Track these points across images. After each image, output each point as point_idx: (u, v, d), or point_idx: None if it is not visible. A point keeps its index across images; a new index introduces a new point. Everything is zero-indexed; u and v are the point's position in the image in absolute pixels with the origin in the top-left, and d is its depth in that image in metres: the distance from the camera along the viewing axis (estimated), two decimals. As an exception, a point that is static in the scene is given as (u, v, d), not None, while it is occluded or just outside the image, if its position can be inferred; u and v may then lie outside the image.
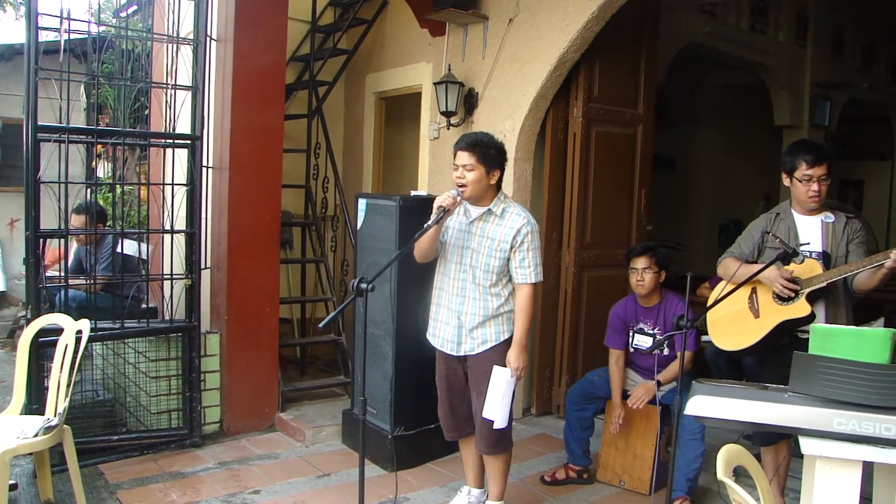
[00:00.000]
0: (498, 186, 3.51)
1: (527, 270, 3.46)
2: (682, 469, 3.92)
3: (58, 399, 3.62)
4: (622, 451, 4.36)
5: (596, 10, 4.77)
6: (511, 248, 3.44)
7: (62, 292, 4.48)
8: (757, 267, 3.39)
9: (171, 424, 4.88)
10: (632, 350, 4.34)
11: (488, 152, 3.42)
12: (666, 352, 4.23)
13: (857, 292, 3.42)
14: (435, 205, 3.36)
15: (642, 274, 4.22)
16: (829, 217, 3.50)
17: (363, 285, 2.96)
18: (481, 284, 3.49)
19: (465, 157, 3.41)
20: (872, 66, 9.89)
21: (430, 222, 3.33)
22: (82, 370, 4.72)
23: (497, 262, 3.45)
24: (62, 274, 4.50)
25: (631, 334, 4.33)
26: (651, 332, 4.26)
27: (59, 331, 3.80)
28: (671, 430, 3.97)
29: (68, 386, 3.60)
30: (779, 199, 7.14)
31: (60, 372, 3.65)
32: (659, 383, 4.13)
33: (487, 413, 3.43)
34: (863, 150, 11.27)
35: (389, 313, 4.44)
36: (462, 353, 3.57)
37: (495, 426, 3.45)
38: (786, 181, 3.56)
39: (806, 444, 2.42)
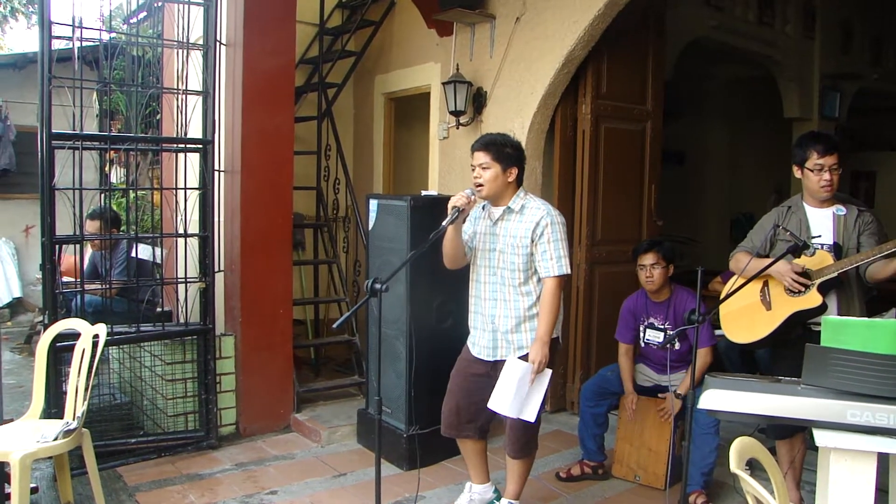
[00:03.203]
0: (518, 184, 3.51)
1: (549, 263, 3.40)
2: (696, 463, 3.92)
3: (76, 403, 3.66)
4: (637, 447, 4.37)
5: (602, 7, 4.77)
6: (532, 241, 3.41)
7: (78, 297, 4.52)
8: (767, 261, 3.40)
9: (187, 427, 4.92)
10: (643, 345, 4.36)
11: (503, 150, 3.43)
12: (678, 346, 4.23)
13: (871, 281, 3.42)
14: (449, 205, 3.35)
15: (651, 270, 4.23)
16: (841, 210, 3.51)
17: (377, 286, 2.98)
18: (510, 285, 3.48)
19: (480, 157, 3.43)
20: (881, 56, 9.82)
21: (444, 223, 3.33)
22: (99, 374, 4.77)
23: (521, 259, 3.43)
24: (78, 279, 4.54)
25: (642, 329, 4.34)
26: (661, 326, 4.27)
27: (75, 335, 3.85)
28: (685, 424, 3.98)
29: (86, 390, 3.64)
30: (790, 191, 7.13)
31: (78, 376, 3.69)
32: (682, 396, 4.12)
33: (492, 403, 3.38)
34: (874, 141, 11.19)
35: (403, 313, 4.46)
36: (498, 358, 3.53)
37: (499, 410, 3.38)
38: (797, 173, 3.57)
39: (820, 437, 2.42)
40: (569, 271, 3.47)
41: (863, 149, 10.84)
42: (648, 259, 4.24)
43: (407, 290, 4.41)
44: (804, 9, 8.42)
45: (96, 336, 3.74)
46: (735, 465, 2.05)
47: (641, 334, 4.36)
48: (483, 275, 3.57)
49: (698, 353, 3.87)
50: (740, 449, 2.11)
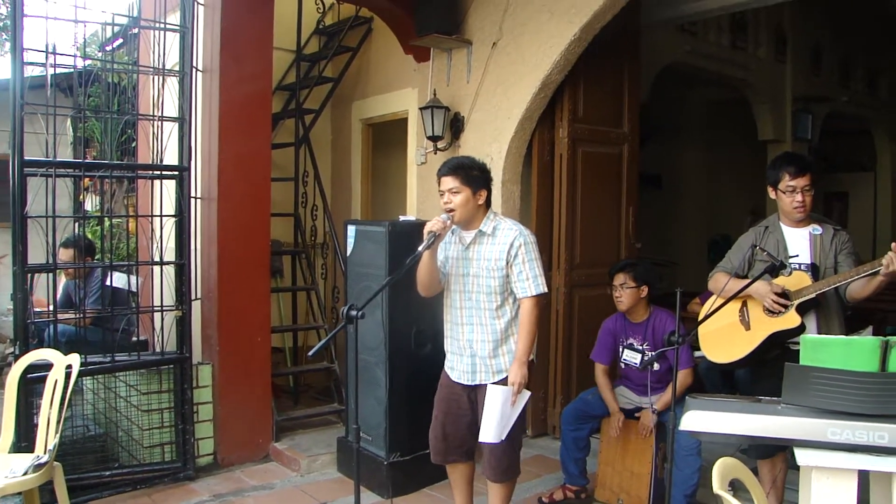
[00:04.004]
0: (487, 206, 3.50)
1: (525, 283, 3.40)
2: (679, 485, 3.90)
3: (48, 436, 3.58)
4: (619, 470, 4.34)
5: (578, 32, 4.81)
6: (507, 263, 3.40)
7: (51, 327, 4.45)
8: (746, 281, 3.41)
9: (164, 458, 4.83)
10: (623, 366, 4.35)
11: (471, 173, 3.42)
12: (657, 367, 4.23)
13: (851, 300, 3.44)
14: (425, 230, 3.33)
15: (620, 290, 4.26)
16: (817, 229, 3.54)
17: (353, 312, 2.95)
18: (487, 308, 3.46)
19: (449, 182, 3.40)
20: (850, 79, 10.02)
21: (420, 248, 3.30)
22: (73, 405, 4.68)
23: (497, 282, 3.42)
24: (51, 308, 4.47)
25: (620, 350, 4.34)
26: (640, 347, 4.27)
27: (48, 366, 3.77)
28: (667, 446, 3.96)
29: (58, 422, 3.56)
30: (766, 213, 7.20)
31: (50, 408, 3.61)
32: (657, 411, 4.12)
33: (483, 436, 3.38)
34: (846, 162, 11.38)
35: (382, 339, 4.43)
36: (477, 382, 3.51)
37: (489, 440, 3.37)
38: (771, 194, 3.60)
39: (801, 455, 2.42)
40: (546, 290, 3.47)
41: (835, 170, 11.00)
42: (618, 280, 4.28)
43: (385, 316, 4.39)
44: (775, 33, 8.57)
45: (69, 366, 3.67)
46: (718, 486, 2.03)
47: (620, 354, 4.35)
48: (458, 300, 3.54)
49: (678, 374, 3.87)
50: (723, 470, 2.09)
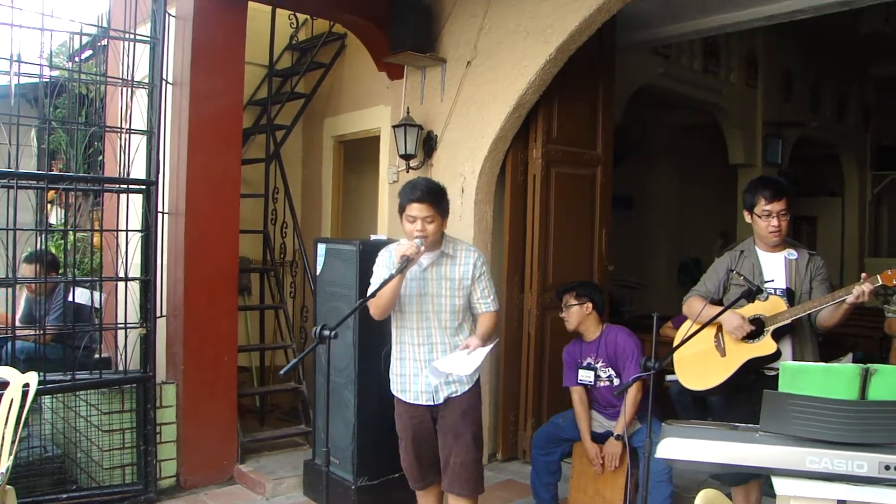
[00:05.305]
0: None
1: (488, 300, 3.55)
2: (652, 512, 3.86)
3: (0, 457, 3.45)
4: (591, 496, 4.29)
5: (553, 52, 4.81)
6: (472, 282, 3.48)
7: (9, 344, 4.31)
8: (719, 309, 3.38)
9: (124, 480, 4.69)
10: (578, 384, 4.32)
11: (440, 199, 3.43)
12: (617, 382, 4.20)
13: (821, 328, 3.44)
14: (397, 255, 3.30)
15: (566, 310, 4.36)
16: (793, 254, 3.53)
17: (326, 332, 2.88)
18: (448, 327, 3.47)
19: (423, 209, 3.35)
20: (820, 105, 10.18)
21: (393, 272, 3.25)
22: (29, 425, 4.54)
23: (462, 301, 3.48)
24: (9, 325, 4.35)
25: (578, 371, 4.33)
26: (594, 364, 4.26)
27: (4, 384, 3.63)
28: (639, 472, 3.92)
29: (13, 443, 3.43)
30: (735, 236, 7.23)
31: (4, 428, 3.48)
32: (620, 436, 4.09)
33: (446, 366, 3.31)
34: (814, 187, 11.54)
35: (351, 360, 4.34)
36: (440, 401, 3.49)
37: (466, 372, 3.33)
38: (747, 218, 3.60)
39: (779, 485, 2.39)
40: (499, 305, 3.70)
41: (804, 194, 11.14)
42: (564, 301, 4.39)
43: (356, 337, 4.31)
44: (747, 59, 8.67)
45: (26, 385, 3.55)
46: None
47: (576, 374, 4.34)
48: (414, 320, 3.50)
49: (629, 389, 3.92)
50: (705, 503, 2.05)
